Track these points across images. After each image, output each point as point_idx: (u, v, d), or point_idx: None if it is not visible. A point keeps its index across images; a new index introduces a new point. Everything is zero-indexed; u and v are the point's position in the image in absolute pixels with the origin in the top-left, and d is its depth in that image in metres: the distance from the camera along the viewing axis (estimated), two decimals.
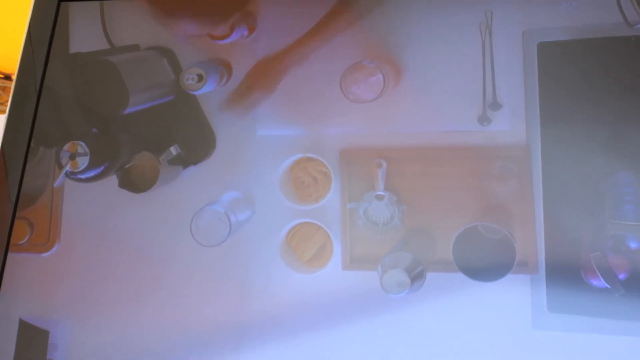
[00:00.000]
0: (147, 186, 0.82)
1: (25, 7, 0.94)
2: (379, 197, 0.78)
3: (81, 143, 0.85)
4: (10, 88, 0.91)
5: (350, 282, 0.77)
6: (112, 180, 0.84)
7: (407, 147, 0.79)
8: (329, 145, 0.81)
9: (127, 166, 0.83)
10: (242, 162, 0.82)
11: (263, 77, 0.82)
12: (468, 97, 0.79)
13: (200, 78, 0.85)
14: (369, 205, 0.78)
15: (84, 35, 0.90)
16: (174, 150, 0.82)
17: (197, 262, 0.80)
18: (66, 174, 0.84)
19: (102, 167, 0.84)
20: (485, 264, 0.75)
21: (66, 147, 0.85)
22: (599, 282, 0.72)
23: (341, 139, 0.80)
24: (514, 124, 0.78)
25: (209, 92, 0.86)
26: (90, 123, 0.87)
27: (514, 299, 0.73)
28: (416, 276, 0.75)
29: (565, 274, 0.73)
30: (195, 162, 0.83)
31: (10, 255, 0.83)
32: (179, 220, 0.81)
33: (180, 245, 0.80)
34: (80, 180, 0.84)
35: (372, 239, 0.78)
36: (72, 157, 0.84)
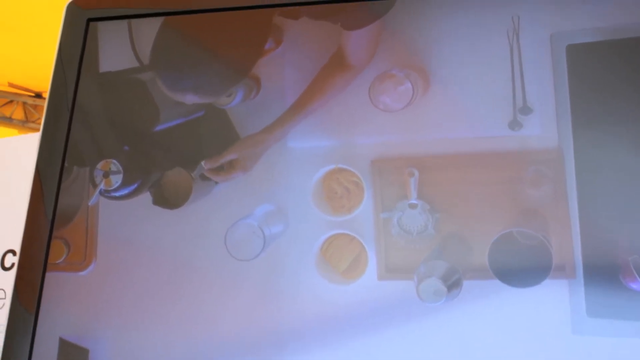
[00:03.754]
0: (181, 202, 0.83)
1: (54, 27, 0.95)
2: (412, 206, 0.78)
3: (114, 161, 0.86)
4: (41, 106, 0.92)
5: (387, 292, 0.77)
6: (146, 197, 0.85)
7: (439, 155, 0.79)
8: (360, 155, 0.81)
9: (160, 183, 0.84)
10: (274, 174, 0.82)
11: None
12: (498, 102, 0.79)
13: (230, 93, 0.85)
14: (403, 214, 0.78)
15: (112, 54, 0.91)
16: (205, 165, 0.83)
17: (233, 276, 0.80)
18: (100, 192, 0.85)
19: (136, 185, 0.85)
20: (522, 270, 0.74)
21: (99, 165, 0.86)
22: (638, 285, 0.71)
23: (372, 149, 0.81)
24: (545, 127, 0.77)
25: (238, 106, 0.86)
26: (122, 141, 0.87)
27: (552, 304, 0.72)
28: (453, 284, 0.75)
29: (604, 278, 0.72)
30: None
31: (48, 275, 0.83)
32: (213, 235, 0.82)
33: (216, 260, 0.81)
34: (115, 198, 0.85)
35: (407, 248, 0.78)
36: (106, 175, 0.85)
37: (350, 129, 0.82)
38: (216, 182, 0.84)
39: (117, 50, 0.92)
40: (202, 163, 0.84)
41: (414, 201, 0.79)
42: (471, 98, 0.80)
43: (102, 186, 0.85)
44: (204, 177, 0.84)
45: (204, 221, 0.83)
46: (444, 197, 0.79)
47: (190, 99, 0.88)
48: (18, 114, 4.63)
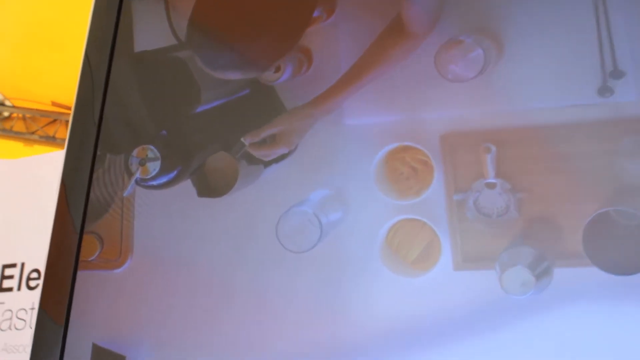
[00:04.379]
0: (226, 189, 0.73)
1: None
2: (490, 186, 0.68)
3: (151, 147, 0.76)
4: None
5: (464, 284, 0.66)
6: (187, 185, 0.75)
7: (518, 128, 0.69)
8: (427, 130, 0.71)
9: (202, 169, 0.74)
10: (331, 156, 0.72)
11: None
12: (584, 66, 0.69)
13: (277, 68, 0.76)
14: (479, 196, 0.68)
15: (149, 31, 0.82)
16: (246, 142, 0.73)
17: (285, 270, 0.70)
18: (136, 182, 0.76)
19: (175, 172, 0.75)
20: (622, 255, 0.64)
21: (135, 152, 0.77)
22: None
23: (441, 123, 0.71)
24: None
25: (288, 82, 0.76)
26: (159, 125, 0.78)
27: None
28: (541, 273, 0.64)
29: None
30: (277, 160, 0.74)
31: (79, 274, 0.74)
32: (262, 225, 0.72)
33: (266, 253, 0.71)
34: (152, 187, 0.76)
35: (486, 234, 0.67)
36: (142, 162, 0.76)
37: (415, 102, 0.72)
38: (265, 166, 0.74)
39: (154, 27, 0.83)
40: (242, 139, 0.74)
41: (491, 180, 0.68)
42: (553, 63, 0.70)
43: (138, 175, 0.76)
44: (250, 160, 0.74)
45: (252, 210, 0.73)
46: (526, 175, 0.68)
47: (232, 75, 0.78)
48: (61, 132, 4.64)
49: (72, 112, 0.79)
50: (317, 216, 0.71)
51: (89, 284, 0.75)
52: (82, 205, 0.76)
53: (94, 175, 0.78)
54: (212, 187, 0.75)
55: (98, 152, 0.78)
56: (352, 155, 0.73)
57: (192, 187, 0.76)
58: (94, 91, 0.80)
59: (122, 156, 0.78)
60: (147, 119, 0.79)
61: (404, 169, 0.72)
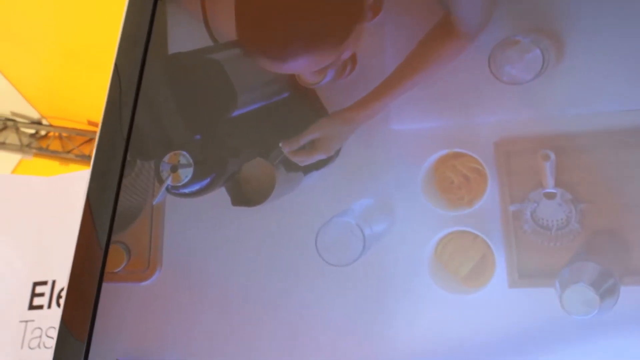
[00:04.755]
0: (262, 198, 0.68)
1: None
2: (550, 196, 0.62)
3: (184, 153, 0.72)
4: None
5: (520, 303, 0.60)
6: (221, 193, 0.70)
7: (579, 133, 0.63)
8: (480, 136, 0.65)
9: (237, 177, 0.69)
10: (375, 163, 0.67)
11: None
12: None
13: (320, 71, 0.71)
14: (537, 206, 0.62)
15: (183, 32, 0.78)
16: (285, 150, 0.68)
17: (325, 285, 0.65)
18: (167, 189, 0.71)
19: (209, 179, 0.70)
20: None
21: (166, 158, 0.72)
22: None
23: (495, 129, 0.65)
24: None
25: (330, 85, 0.71)
26: (193, 129, 0.73)
27: None
28: (606, 292, 0.58)
29: None
30: (318, 167, 0.68)
31: (105, 286, 0.69)
32: (301, 237, 0.67)
33: (304, 266, 0.66)
34: (184, 195, 0.71)
35: (545, 248, 0.61)
36: (174, 169, 0.71)
37: (467, 106, 0.67)
38: (304, 174, 0.69)
39: (188, 29, 0.79)
40: (281, 144, 0.69)
41: (551, 190, 0.62)
42: (616, 64, 0.65)
43: (169, 182, 0.71)
44: (289, 167, 0.69)
45: (290, 220, 0.68)
46: (588, 184, 0.62)
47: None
48: None
49: (101, 116, 0.74)
50: (360, 227, 0.66)
51: (114, 297, 0.70)
52: (109, 214, 0.71)
53: (123, 182, 0.73)
54: (247, 195, 0.69)
55: (128, 158, 0.74)
56: (399, 163, 0.68)
57: (226, 195, 0.71)
58: (124, 95, 0.76)
59: (153, 162, 0.73)
60: (180, 123, 0.74)
61: (454, 177, 0.67)
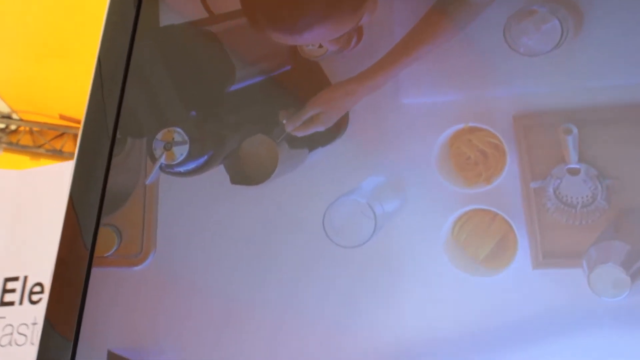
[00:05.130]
0: (264, 176, 0.63)
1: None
2: (573, 172, 0.58)
3: (178, 129, 0.67)
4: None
5: (545, 285, 0.56)
6: (219, 172, 0.65)
7: (604, 106, 0.60)
8: (497, 109, 0.61)
9: (236, 154, 0.64)
10: (385, 138, 0.63)
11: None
12: None
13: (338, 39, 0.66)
14: (561, 183, 0.58)
15: (176, 3, 0.73)
16: (287, 125, 0.63)
17: (333, 268, 0.60)
18: (161, 168, 0.65)
19: (206, 157, 0.65)
20: None
21: (160, 135, 0.67)
22: None
23: (513, 101, 0.61)
24: None
25: (334, 58, 0.67)
26: (188, 105, 0.68)
27: None
28: (637, 272, 0.53)
29: None
30: (324, 143, 0.64)
31: (94, 271, 0.63)
32: (307, 217, 0.62)
33: (310, 249, 0.61)
34: (179, 174, 0.66)
35: (569, 227, 0.57)
36: (168, 146, 0.66)
37: (482, 78, 0.63)
38: (309, 150, 0.64)
39: (181, 0, 0.73)
40: (284, 121, 0.64)
41: (574, 165, 0.58)
42: None
43: (163, 160, 0.66)
44: (292, 144, 0.65)
45: (294, 200, 0.63)
46: (614, 159, 0.59)
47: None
48: (69, 146, 4.52)
49: (89, 91, 0.69)
50: (370, 206, 0.61)
51: (104, 284, 0.64)
52: (98, 194, 0.66)
53: (113, 161, 0.67)
54: (248, 173, 0.64)
55: (118, 135, 0.68)
56: (410, 138, 0.63)
57: (224, 174, 0.66)
58: (113, 69, 0.71)
59: (145, 139, 0.68)
60: (174, 98, 0.69)
61: (471, 152, 0.62)
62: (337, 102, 0.66)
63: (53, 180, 1.65)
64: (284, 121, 0.66)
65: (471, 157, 0.63)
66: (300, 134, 0.66)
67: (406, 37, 0.66)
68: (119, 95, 0.70)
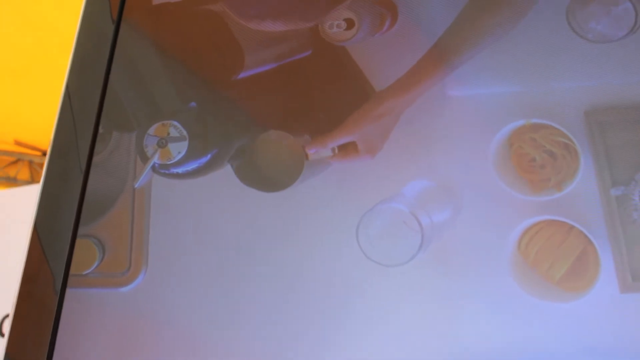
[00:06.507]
0: (287, 181, 0.51)
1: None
2: None
3: (175, 123, 0.54)
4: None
5: (636, 312, 0.44)
6: (224, 173, 0.53)
7: None
8: (565, 104, 0.51)
9: (248, 151, 0.52)
10: (430, 136, 0.51)
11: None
12: None
13: (350, 24, 0.55)
14: None
15: None
16: (310, 152, 0.52)
17: (370, 292, 0.48)
18: (153, 169, 0.53)
19: (209, 155, 0.53)
20: None
21: (152, 130, 0.54)
22: None
23: (585, 95, 0.51)
24: None
25: (364, 43, 0.55)
26: (186, 96, 0.56)
27: None
28: None
29: None
30: None
31: (69, 293, 0.50)
32: (337, 229, 0.49)
33: (340, 267, 0.48)
34: (176, 175, 0.53)
35: None
36: (162, 143, 0.54)
37: (545, 68, 0.52)
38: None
39: None
40: (307, 150, 0.53)
41: None
42: None
43: (156, 159, 0.53)
44: None
45: (321, 209, 0.51)
46: None
47: (271, 25, 0.57)
48: (23, 174, 4.32)
49: (66, 76, 0.56)
50: (415, 216, 0.49)
51: (83, 309, 0.51)
52: (76, 199, 0.52)
53: (94, 160, 0.54)
54: (264, 177, 0.52)
55: (100, 130, 0.55)
56: (461, 136, 0.52)
57: (232, 176, 0.53)
58: (95, 53, 0.58)
59: (135, 135, 0.55)
60: (169, 88, 0.57)
61: (536, 153, 0.51)
62: (375, 128, 0.54)
63: (11, 206, 1.55)
64: (305, 148, 0.54)
65: (536, 159, 0.52)
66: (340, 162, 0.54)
67: (452, 27, 0.55)
68: (102, 81, 0.57)
